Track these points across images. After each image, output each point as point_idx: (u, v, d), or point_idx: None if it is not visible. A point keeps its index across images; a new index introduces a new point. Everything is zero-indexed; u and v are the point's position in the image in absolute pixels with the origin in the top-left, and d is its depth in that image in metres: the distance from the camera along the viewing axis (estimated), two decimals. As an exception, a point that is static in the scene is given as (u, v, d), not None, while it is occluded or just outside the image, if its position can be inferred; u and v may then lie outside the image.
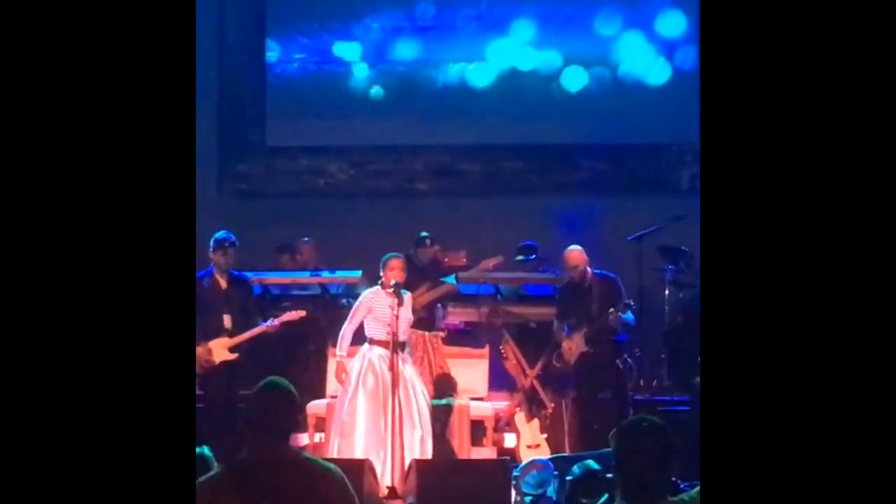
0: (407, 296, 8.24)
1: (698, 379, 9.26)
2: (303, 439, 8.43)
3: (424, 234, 9.50)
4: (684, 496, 3.56)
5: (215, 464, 4.42)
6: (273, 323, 8.55)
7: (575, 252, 9.01)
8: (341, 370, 8.19)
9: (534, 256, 10.22)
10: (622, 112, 11.72)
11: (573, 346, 8.94)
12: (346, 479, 3.89)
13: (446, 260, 10.06)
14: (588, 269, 8.99)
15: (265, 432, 3.84)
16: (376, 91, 12.06)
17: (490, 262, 9.56)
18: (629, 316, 8.91)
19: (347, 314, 8.38)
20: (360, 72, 12.07)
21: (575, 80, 11.83)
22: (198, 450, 4.58)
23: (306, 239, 10.76)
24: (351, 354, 8.39)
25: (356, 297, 8.71)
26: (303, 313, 8.80)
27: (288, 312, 8.75)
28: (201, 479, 3.84)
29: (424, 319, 9.04)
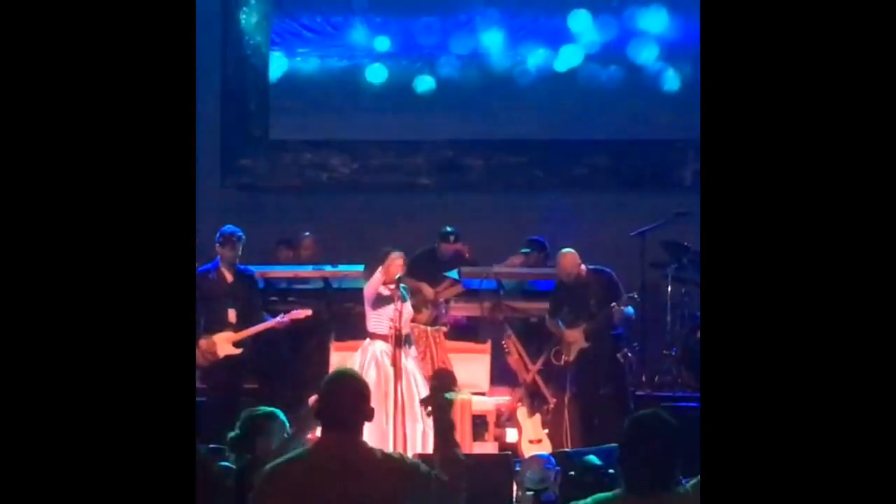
0: (407, 290, 8.24)
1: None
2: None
3: (449, 229, 9.46)
4: (684, 487, 3.57)
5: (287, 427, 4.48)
6: (283, 319, 8.54)
7: (567, 258, 8.84)
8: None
9: (541, 252, 10.17)
10: (626, 108, 11.71)
11: (572, 342, 8.92)
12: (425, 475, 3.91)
13: (467, 255, 9.99)
14: (583, 266, 8.92)
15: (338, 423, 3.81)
16: (380, 85, 12.05)
17: (516, 260, 9.58)
18: (630, 310, 8.87)
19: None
20: (364, 66, 12.06)
21: (579, 74, 11.84)
22: (272, 410, 4.63)
23: (307, 234, 10.76)
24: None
25: (360, 290, 8.71)
26: (309, 312, 8.79)
27: (296, 310, 8.74)
28: (275, 462, 3.85)
29: (433, 315, 9.03)
